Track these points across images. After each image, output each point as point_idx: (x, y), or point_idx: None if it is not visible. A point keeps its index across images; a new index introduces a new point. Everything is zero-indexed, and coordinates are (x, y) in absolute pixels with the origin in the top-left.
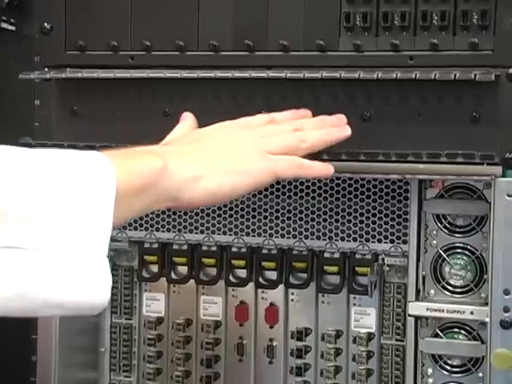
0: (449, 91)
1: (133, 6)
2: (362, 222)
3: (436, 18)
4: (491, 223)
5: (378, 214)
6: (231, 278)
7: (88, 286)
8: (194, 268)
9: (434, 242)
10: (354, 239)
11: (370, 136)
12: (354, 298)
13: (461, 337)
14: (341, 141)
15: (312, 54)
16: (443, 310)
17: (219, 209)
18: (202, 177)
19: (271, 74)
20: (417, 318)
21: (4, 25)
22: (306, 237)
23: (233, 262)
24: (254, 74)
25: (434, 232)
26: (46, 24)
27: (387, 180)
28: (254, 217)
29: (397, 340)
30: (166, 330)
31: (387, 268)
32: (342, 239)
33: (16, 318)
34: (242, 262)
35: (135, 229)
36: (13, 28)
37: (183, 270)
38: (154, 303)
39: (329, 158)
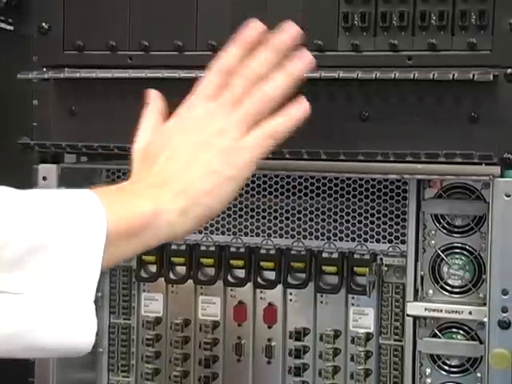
0: (447, 91)
1: (131, 6)
2: (360, 222)
3: (434, 17)
4: (489, 223)
5: (377, 214)
6: (229, 278)
7: (73, 330)
8: (192, 268)
9: (433, 241)
10: (353, 239)
11: (368, 136)
12: (353, 298)
13: (459, 337)
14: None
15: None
16: (441, 310)
17: None
18: (188, 206)
19: None
20: (415, 318)
21: (2, 25)
22: (305, 237)
23: (231, 262)
24: None
25: (433, 232)
26: (44, 24)
27: (385, 180)
28: (252, 217)
29: (395, 340)
30: (165, 330)
31: (385, 268)
32: (341, 239)
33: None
34: (240, 262)
35: None
36: (11, 28)
37: (181, 270)
38: (152, 303)
39: (327, 158)
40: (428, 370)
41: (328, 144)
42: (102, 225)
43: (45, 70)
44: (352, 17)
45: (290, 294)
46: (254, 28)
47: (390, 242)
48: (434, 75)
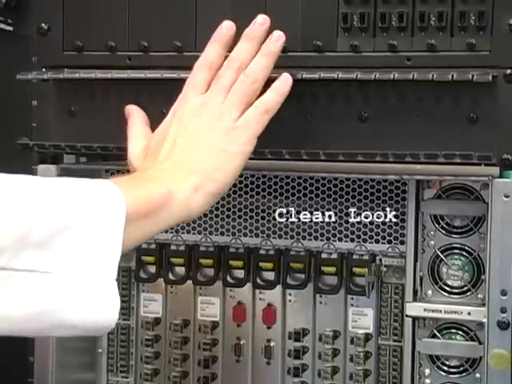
0: (446, 92)
1: (130, 7)
2: (359, 222)
3: (433, 18)
4: (489, 224)
5: (376, 214)
6: (229, 278)
7: (97, 307)
8: (191, 269)
9: (432, 242)
10: (352, 240)
11: (367, 137)
12: (352, 298)
13: (458, 337)
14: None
15: (309, 55)
16: (441, 311)
17: (216, 209)
18: (200, 184)
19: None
20: (414, 319)
21: (1, 25)
22: (304, 237)
23: (230, 262)
24: None
25: (432, 232)
26: (43, 24)
27: (385, 180)
28: (251, 217)
29: (394, 341)
30: (164, 331)
31: (385, 268)
32: (340, 240)
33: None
34: (239, 263)
35: None
36: (10, 28)
37: (181, 270)
38: (151, 304)
39: (326, 159)
40: (427, 371)
41: (327, 144)
42: (122, 206)
43: (44, 70)
44: (351, 17)
45: (289, 294)
46: (226, 27)
47: (389, 242)
48: (433, 76)
